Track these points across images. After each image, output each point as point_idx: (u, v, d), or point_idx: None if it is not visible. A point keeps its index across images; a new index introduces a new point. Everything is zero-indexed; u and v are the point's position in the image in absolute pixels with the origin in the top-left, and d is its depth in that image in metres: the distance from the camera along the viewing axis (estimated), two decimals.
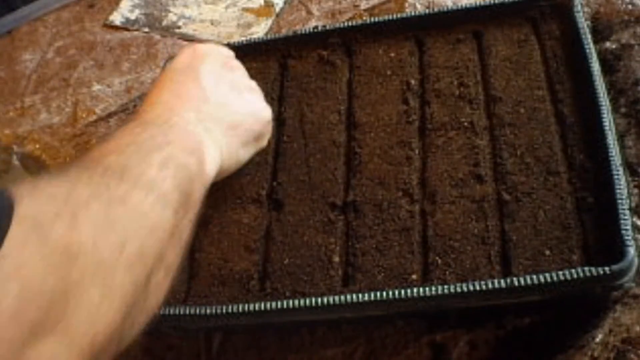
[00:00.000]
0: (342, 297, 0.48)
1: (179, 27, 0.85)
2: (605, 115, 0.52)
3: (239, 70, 0.58)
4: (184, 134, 0.47)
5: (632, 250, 0.44)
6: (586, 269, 0.44)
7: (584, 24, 0.59)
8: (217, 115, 0.51)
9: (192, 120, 0.49)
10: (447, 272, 0.49)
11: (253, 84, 0.58)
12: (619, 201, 0.47)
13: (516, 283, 0.45)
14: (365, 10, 0.78)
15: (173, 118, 0.48)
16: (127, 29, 0.88)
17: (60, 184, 0.35)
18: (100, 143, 0.44)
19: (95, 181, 0.37)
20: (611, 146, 0.50)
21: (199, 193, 0.45)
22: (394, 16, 0.67)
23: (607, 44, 0.61)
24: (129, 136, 0.44)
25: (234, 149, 0.52)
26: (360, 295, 0.48)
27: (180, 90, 0.51)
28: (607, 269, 0.44)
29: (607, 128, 0.52)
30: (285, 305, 0.49)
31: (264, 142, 0.58)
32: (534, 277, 0.45)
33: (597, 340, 0.46)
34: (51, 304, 0.30)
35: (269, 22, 0.81)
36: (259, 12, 0.83)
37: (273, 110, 0.65)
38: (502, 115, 0.57)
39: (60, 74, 0.85)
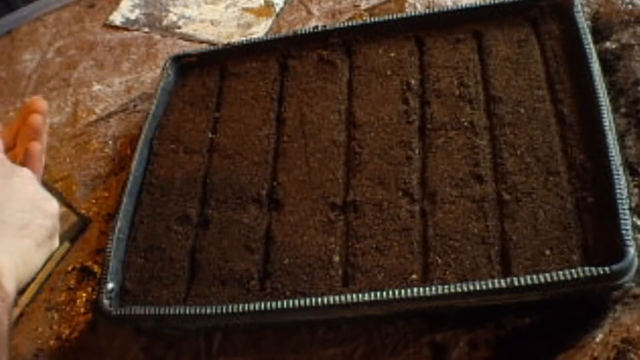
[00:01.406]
0: (342, 297, 0.48)
1: (179, 27, 0.85)
2: (605, 115, 0.52)
3: (5, 163, 0.48)
4: None
5: (632, 250, 0.44)
6: (586, 269, 0.44)
7: (584, 24, 0.59)
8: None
9: None
10: (447, 272, 0.49)
11: (28, 172, 0.48)
12: (619, 201, 0.47)
13: (516, 283, 0.45)
14: (365, 10, 0.78)
15: None
16: (127, 29, 0.88)
17: None
18: None
19: None
20: (611, 146, 0.50)
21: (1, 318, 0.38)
22: (394, 16, 0.67)
23: (607, 44, 0.61)
24: None
25: (28, 252, 0.43)
26: (360, 295, 0.48)
27: None
28: (607, 269, 0.44)
29: (607, 128, 0.52)
30: (285, 305, 0.49)
31: (57, 242, 0.48)
32: (534, 277, 0.45)
33: (597, 340, 0.46)
34: None
35: (269, 22, 0.82)
36: (259, 12, 0.83)
37: (273, 110, 0.65)
38: (502, 115, 0.57)
39: (60, 74, 0.85)
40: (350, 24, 0.69)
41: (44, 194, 0.47)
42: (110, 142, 0.74)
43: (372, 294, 0.48)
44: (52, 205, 0.47)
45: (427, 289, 0.47)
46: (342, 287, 0.51)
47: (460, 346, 0.48)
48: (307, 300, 0.49)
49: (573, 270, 0.44)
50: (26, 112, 0.53)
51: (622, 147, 0.54)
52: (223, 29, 0.83)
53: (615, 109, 0.56)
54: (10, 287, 0.40)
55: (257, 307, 0.49)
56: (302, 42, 0.69)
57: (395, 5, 0.77)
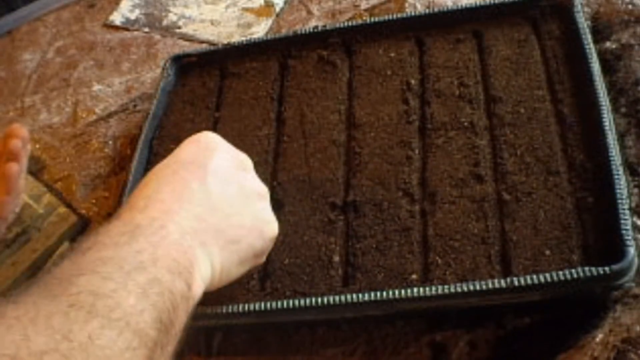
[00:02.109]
0: (342, 297, 0.48)
1: (179, 27, 0.85)
2: (605, 115, 0.52)
3: (250, 172, 0.51)
4: (175, 248, 0.40)
5: (632, 250, 0.44)
6: (586, 269, 0.44)
7: (584, 24, 0.59)
8: (219, 226, 0.44)
9: (188, 230, 0.42)
10: (447, 272, 0.49)
11: (263, 189, 0.50)
12: (619, 201, 0.47)
13: (516, 283, 0.45)
14: (365, 10, 0.78)
15: (168, 226, 0.41)
16: (127, 29, 0.88)
17: (10, 331, 0.30)
18: (79, 248, 0.38)
19: (54, 324, 0.31)
20: (611, 146, 0.50)
21: (181, 321, 0.39)
22: (394, 16, 0.67)
23: (607, 44, 0.61)
24: (111, 247, 0.38)
25: (228, 266, 0.45)
26: (360, 295, 0.48)
27: (182, 189, 0.44)
28: (607, 269, 0.44)
29: (607, 128, 0.52)
30: (285, 305, 0.49)
31: (262, 260, 0.50)
32: (534, 277, 0.45)
33: (597, 340, 0.46)
34: None
35: (269, 22, 0.82)
36: (259, 12, 0.83)
37: (273, 110, 0.65)
38: (502, 115, 0.57)
39: (60, 74, 0.86)
40: (350, 24, 0.69)
41: (269, 216, 0.49)
42: (110, 142, 0.74)
43: (372, 294, 0.48)
44: (271, 229, 0.49)
45: (427, 289, 0.47)
46: (342, 287, 0.51)
47: (460, 346, 0.48)
48: (307, 300, 0.49)
49: (573, 270, 0.44)
50: (7, 138, 0.57)
51: (622, 147, 0.54)
52: (223, 29, 0.83)
53: (615, 109, 0.56)
54: (198, 293, 0.41)
55: (257, 307, 0.49)
56: (302, 42, 0.69)
57: (395, 5, 0.77)
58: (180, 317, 0.38)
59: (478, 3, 0.65)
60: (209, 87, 0.70)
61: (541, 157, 0.53)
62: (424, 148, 0.57)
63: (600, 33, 0.63)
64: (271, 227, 0.49)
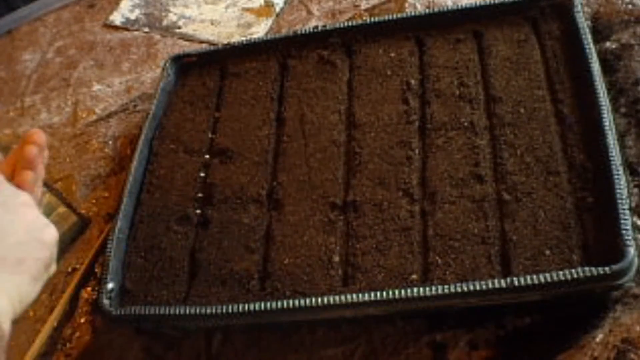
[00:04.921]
0: (342, 297, 0.48)
1: (179, 27, 0.85)
2: (605, 115, 0.52)
3: (4, 184, 0.46)
4: None
5: (632, 250, 0.44)
6: (586, 269, 0.44)
7: (584, 24, 0.59)
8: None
9: None
10: (447, 272, 0.49)
11: (25, 196, 0.46)
12: (619, 201, 0.47)
13: (516, 283, 0.45)
14: (365, 10, 0.78)
15: None
16: (127, 29, 0.88)
17: None
18: None
19: None
20: (611, 146, 0.50)
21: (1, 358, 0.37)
22: (394, 16, 0.67)
23: (607, 44, 0.61)
24: None
25: (25, 289, 0.42)
26: (360, 295, 0.48)
27: None
28: (607, 268, 0.44)
29: (607, 128, 0.52)
30: (285, 305, 0.49)
31: (54, 268, 0.46)
32: (534, 277, 0.45)
33: (597, 340, 0.46)
34: None
35: (269, 22, 0.82)
36: (259, 12, 0.83)
37: (273, 110, 0.65)
38: (502, 115, 0.57)
39: (60, 74, 0.86)
40: (350, 24, 0.69)
41: (43, 221, 0.45)
42: (110, 142, 0.74)
43: (372, 294, 0.48)
44: (50, 234, 0.45)
45: (427, 289, 0.47)
46: (342, 287, 0.51)
47: (460, 346, 0.48)
48: (307, 300, 0.49)
49: (573, 270, 0.44)
50: (23, 143, 0.54)
51: (622, 147, 0.54)
52: (223, 29, 0.83)
53: (615, 109, 0.56)
54: (7, 327, 0.39)
55: (257, 307, 0.49)
56: (302, 42, 0.69)
57: (395, 5, 0.77)
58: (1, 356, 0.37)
59: (478, 3, 0.65)
60: (209, 87, 0.70)
61: (541, 157, 0.53)
62: (424, 148, 0.57)
63: (600, 33, 0.63)
64: (50, 231, 0.45)
